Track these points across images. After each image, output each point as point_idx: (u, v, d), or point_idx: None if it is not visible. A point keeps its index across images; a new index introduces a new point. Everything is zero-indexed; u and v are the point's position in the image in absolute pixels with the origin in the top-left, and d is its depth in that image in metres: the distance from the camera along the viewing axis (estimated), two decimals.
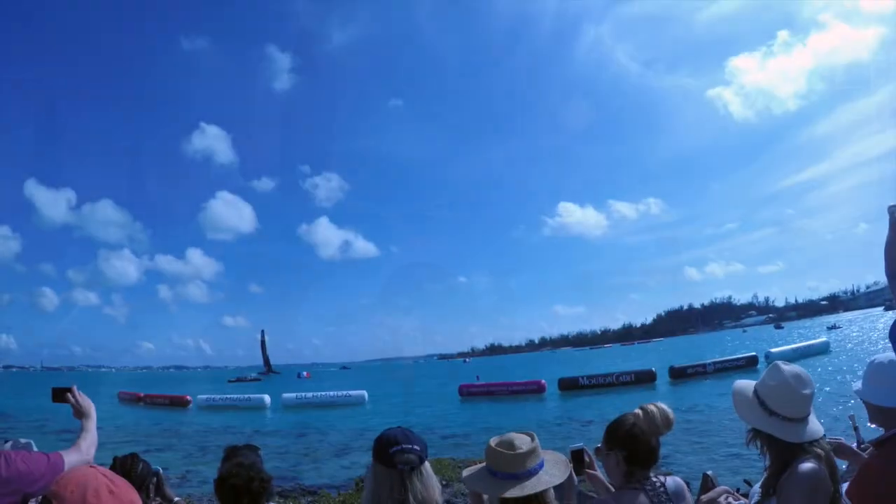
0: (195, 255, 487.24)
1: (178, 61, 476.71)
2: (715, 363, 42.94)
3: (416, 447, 2.45)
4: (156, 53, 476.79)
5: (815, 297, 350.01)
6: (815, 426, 2.60)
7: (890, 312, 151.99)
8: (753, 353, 45.25)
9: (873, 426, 2.91)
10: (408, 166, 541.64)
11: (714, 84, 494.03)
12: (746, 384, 2.80)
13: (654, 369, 41.01)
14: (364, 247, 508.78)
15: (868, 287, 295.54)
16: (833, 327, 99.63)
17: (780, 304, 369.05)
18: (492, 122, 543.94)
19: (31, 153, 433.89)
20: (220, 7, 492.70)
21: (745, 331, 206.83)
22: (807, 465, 2.44)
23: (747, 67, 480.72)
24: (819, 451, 2.52)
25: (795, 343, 54.00)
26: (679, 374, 41.02)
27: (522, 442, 2.42)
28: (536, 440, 2.46)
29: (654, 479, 2.63)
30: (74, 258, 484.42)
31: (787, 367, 2.65)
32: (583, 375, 41.95)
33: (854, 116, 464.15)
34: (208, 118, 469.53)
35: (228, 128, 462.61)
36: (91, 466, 1.84)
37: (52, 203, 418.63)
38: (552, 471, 2.44)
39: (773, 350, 46.81)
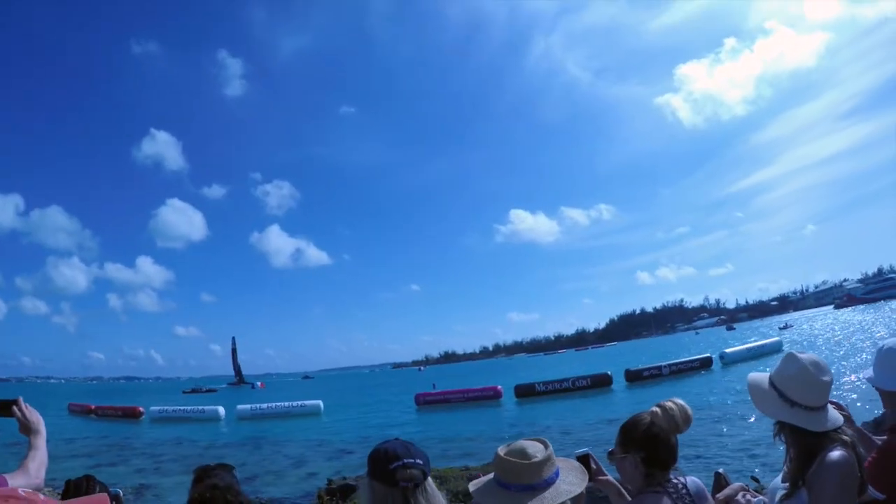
0: (145, 264, 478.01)
1: (128, 66, 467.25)
2: (670, 365, 43.44)
3: (418, 461, 2.11)
4: (105, 57, 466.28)
5: (765, 297, 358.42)
6: (835, 413, 2.52)
7: (839, 311, 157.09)
8: (708, 355, 46.36)
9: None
10: (360, 174, 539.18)
11: (663, 91, 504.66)
12: (760, 377, 2.68)
13: (609, 373, 41.34)
14: (316, 255, 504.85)
15: (817, 286, 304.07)
16: (785, 327, 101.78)
17: (731, 305, 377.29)
18: (443, 130, 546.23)
19: None
20: (170, 11, 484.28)
21: (697, 333, 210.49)
22: (836, 454, 2.37)
23: (695, 75, 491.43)
24: (845, 437, 2.45)
25: (749, 343, 55.01)
26: (635, 377, 41.41)
27: (536, 450, 2.19)
28: (550, 447, 2.23)
29: (675, 481, 2.48)
30: (22, 265, 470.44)
31: (804, 356, 2.54)
32: (539, 381, 42.18)
33: (800, 121, 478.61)
34: (159, 124, 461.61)
35: (179, 134, 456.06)
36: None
37: None
38: (569, 479, 2.23)
39: (728, 350, 48.12)
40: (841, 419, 2.51)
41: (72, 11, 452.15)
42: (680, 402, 2.52)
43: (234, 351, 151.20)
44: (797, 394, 2.48)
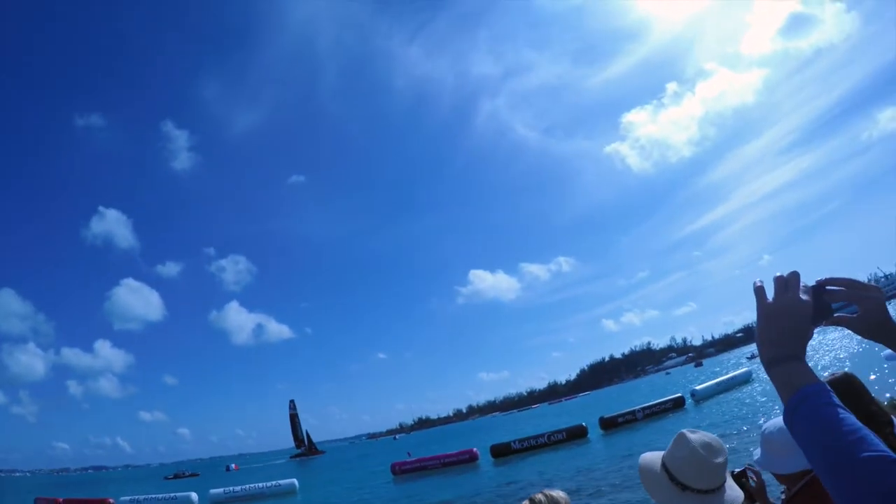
0: (104, 348, 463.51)
1: (72, 140, 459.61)
2: (644, 409, 43.40)
3: None
4: (47, 132, 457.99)
5: (730, 330, 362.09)
6: (734, 492, 2.32)
7: None
8: (679, 394, 46.70)
9: None
10: (316, 244, 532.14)
11: (610, 141, 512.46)
12: (653, 457, 2.45)
13: (584, 424, 41.18)
14: (278, 330, 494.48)
15: None
16: (753, 356, 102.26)
17: (697, 342, 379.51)
18: (397, 196, 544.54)
19: None
20: (112, 81, 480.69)
21: (668, 373, 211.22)
22: None
23: (640, 121, 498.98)
24: None
25: (718, 378, 55.36)
26: (610, 425, 41.35)
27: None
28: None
29: None
30: None
31: (695, 436, 2.33)
32: (514, 439, 41.71)
33: (746, 159, 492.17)
34: (107, 201, 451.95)
35: (128, 210, 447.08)
36: None
37: None
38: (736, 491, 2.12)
39: (699, 387, 48.75)
40: (740, 497, 2.33)
41: (11, 85, 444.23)
42: (549, 491, 2.44)
43: (293, 416, 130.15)
44: (688, 476, 2.28)
